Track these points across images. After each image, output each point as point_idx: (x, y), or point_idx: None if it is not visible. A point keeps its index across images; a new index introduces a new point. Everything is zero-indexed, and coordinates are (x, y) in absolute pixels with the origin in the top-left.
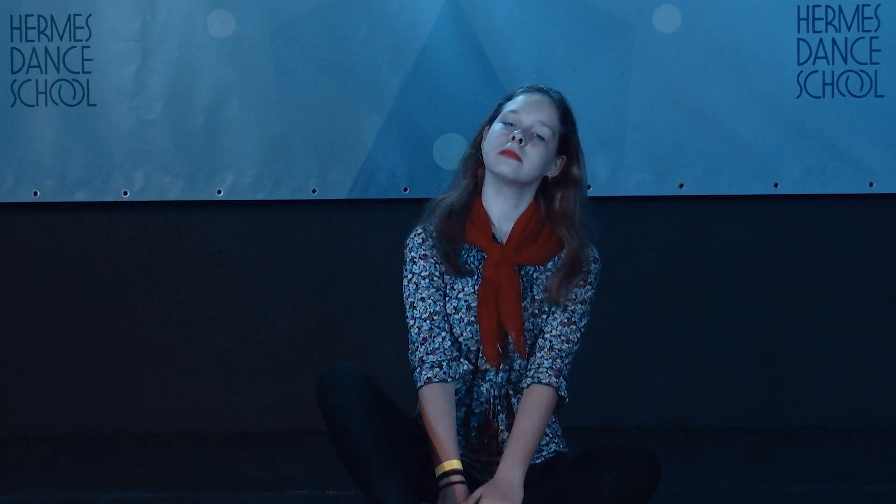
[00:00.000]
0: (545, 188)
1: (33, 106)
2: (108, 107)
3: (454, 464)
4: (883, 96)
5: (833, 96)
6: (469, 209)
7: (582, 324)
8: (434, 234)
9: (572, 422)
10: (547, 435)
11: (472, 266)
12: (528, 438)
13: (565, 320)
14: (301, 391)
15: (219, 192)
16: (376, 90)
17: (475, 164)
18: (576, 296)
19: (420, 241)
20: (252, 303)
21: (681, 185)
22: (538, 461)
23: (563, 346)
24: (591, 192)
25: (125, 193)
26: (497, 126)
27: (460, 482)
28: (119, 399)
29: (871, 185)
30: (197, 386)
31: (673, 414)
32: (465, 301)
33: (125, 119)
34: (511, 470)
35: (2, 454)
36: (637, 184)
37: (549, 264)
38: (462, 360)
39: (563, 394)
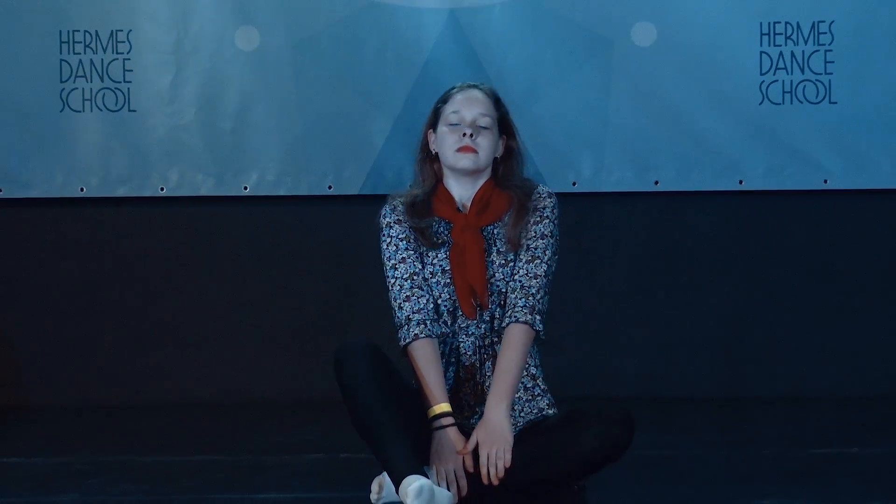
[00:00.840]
0: (494, 166)
1: (80, 112)
2: (147, 112)
3: (444, 407)
4: (836, 103)
5: (792, 103)
6: (432, 193)
7: (546, 257)
8: (403, 213)
9: (556, 392)
10: (536, 393)
11: (444, 236)
12: (509, 375)
13: (529, 258)
14: (318, 365)
15: (245, 188)
16: (385, 97)
17: (430, 164)
18: (535, 233)
19: (391, 209)
20: (275, 286)
21: (656, 182)
22: (529, 419)
23: (531, 283)
24: (575, 189)
25: (161, 189)
26: (444, 129)
27: (451, 424)
28: (154, 372)
29: (825, 182)
30: (223, 360)
31: (647, 386)
32: (440, 266)
33: (161, 123)
34: (496, 407)
35: (48, 422)
36: (617, 181)
37: (506, 217)
38: (441, 321)
39: (537, 328)
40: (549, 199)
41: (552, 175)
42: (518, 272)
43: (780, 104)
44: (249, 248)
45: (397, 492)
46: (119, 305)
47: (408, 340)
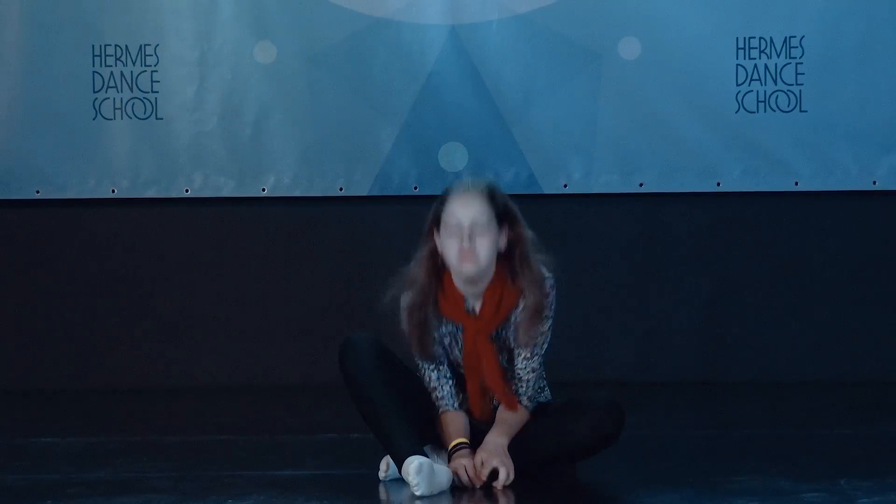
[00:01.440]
0: (499, 257)
1: (111, 119)
2: (173, 120)
3: (463, 439)
4: (806, 111)
5: (765, 111)
6: (438, 289)
7: (542, 349)
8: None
9: (548, 376)
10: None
11: (453, 335)
12: (511, 423)
13: (528, 355)
14: (329, 352)
15: (263, 189)
16: (392, 106)
17: (435, 261)
18: (538, 332)
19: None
20: (289, 278)
21: (641, 184)
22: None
23: (529, 377)
24: (566, 191)
25: (187, 191)
26: (446, 240)
27: (468, 446)
28: (178, 359)
29: (796, 184)
30: (243, 348)
31: (631, 371)
32: (452, 338)
33: (186, 130)
34: (499, 437)
35: (81, 405)
36: (605, 183)
37: (513, 317)
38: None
39: (531, 409)
40: (552, 292)
41: (545, 177)
42: (517, 365)
43: (754, 112)
44: (267, 245)
45: (400, 472)
46: (147, 297)
47: (439, 412)
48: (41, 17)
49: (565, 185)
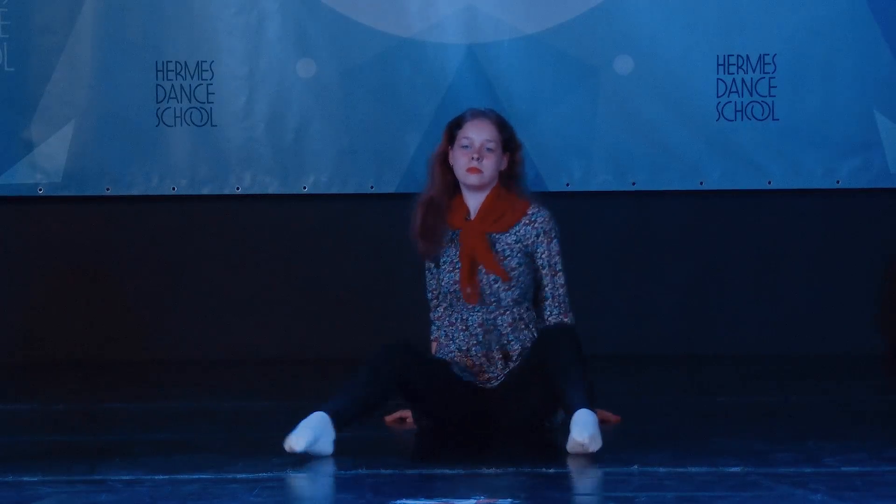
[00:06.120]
0: (501, 175)
1: (172, 126)
2: (226, 127)
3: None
4: (778, 119)
5: (742, 120)
6: (450, 204)
7: (561, 268)
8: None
9: None
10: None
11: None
12: (574, 371)
13: (552, 273)
14: (361, 331)
15: (304, 188)
16: (416, 115)
17: (445, 171)
18: (551, 251)
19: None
20: (327, 265)
21: (633, 183)
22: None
23: (559, 292)
24: (568, 189)
25: (237, 189)
26: (458, 151)
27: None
28: (230, 334)
29: (769, 183)
30: (286, 326)
31: (623, 346)
32: (450, 259)
33: (237, 136)
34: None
35: (147, 374)
36: (601, 182)
37: (512, 232)
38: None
39: (572, 322)
40: (552, 220)
41: (550, 177)
42: (546, 286)
43: (733, 120)
44: (307, 236)
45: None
46: (201, 281)
47: (432, 337)
48: (112, 36)
49: (567, 184)
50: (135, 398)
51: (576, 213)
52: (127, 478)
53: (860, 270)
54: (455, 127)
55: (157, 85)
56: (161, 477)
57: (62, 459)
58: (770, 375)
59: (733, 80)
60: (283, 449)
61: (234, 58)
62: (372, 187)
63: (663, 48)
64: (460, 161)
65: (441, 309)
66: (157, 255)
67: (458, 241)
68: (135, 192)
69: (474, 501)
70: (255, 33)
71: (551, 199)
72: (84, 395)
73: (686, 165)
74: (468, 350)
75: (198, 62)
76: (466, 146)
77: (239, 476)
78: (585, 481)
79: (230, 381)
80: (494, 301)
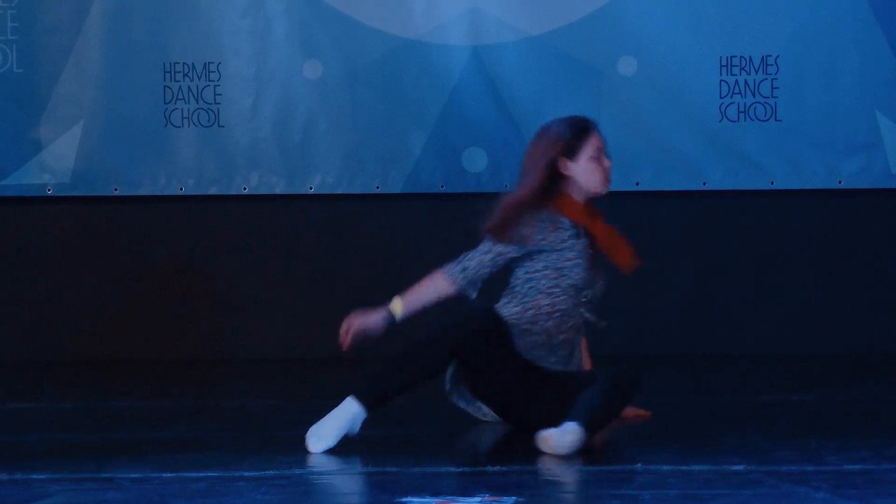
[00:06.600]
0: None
1: (179, 127)
2: (233, 128)
3: (398, 306)
4: (781, 120)
5: (745, 120)
6: (550, 204)
7: None
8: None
9: None
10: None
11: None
12: (596, 397)
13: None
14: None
15: (310, 188)
16: (421, 116)
17: (548, 179)
18: None
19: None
20: (333, 265)
21: (637, 183)
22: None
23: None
24: None
25: (244, 189)
26: (589, 164)
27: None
28: (236, 334)
29: (772, 183)
30: (292, 325)
31: (627, 345)
32: (578, 252)
33: (244, 136)
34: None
35: (154, 373)
36: None
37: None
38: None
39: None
40: None
41: None
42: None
43: (735, 121)
44: (314, 236)
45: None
46: (208, 280)
47: (449, 277)
48: (120, 38)
49: None
50: (142, 397)
51: None
52: (134, 476)
53: (862, 270)
54: (577, 136)
55: (165, 86)
56: (168, 475)
57: (70, 457)
58: (772, 374)
59: (736, 81)
60: (289, 447)
61: (241, 59)
62: (377, 188)
63: (666, 50)
64: (594, 172)
65: (465, 284)
66: (164, 254)
67: (582, 236)
68: (142, 192)
69: (480, 499)
70: (262, 35)
71: None
72: (92, 394)
73: (689, 166)
74: (561, 339)
75: (205, 63)
76: (597, 157)
77: (246, 474)
78: (589, 479)
79: (237, 379)
80: (594, 299)
